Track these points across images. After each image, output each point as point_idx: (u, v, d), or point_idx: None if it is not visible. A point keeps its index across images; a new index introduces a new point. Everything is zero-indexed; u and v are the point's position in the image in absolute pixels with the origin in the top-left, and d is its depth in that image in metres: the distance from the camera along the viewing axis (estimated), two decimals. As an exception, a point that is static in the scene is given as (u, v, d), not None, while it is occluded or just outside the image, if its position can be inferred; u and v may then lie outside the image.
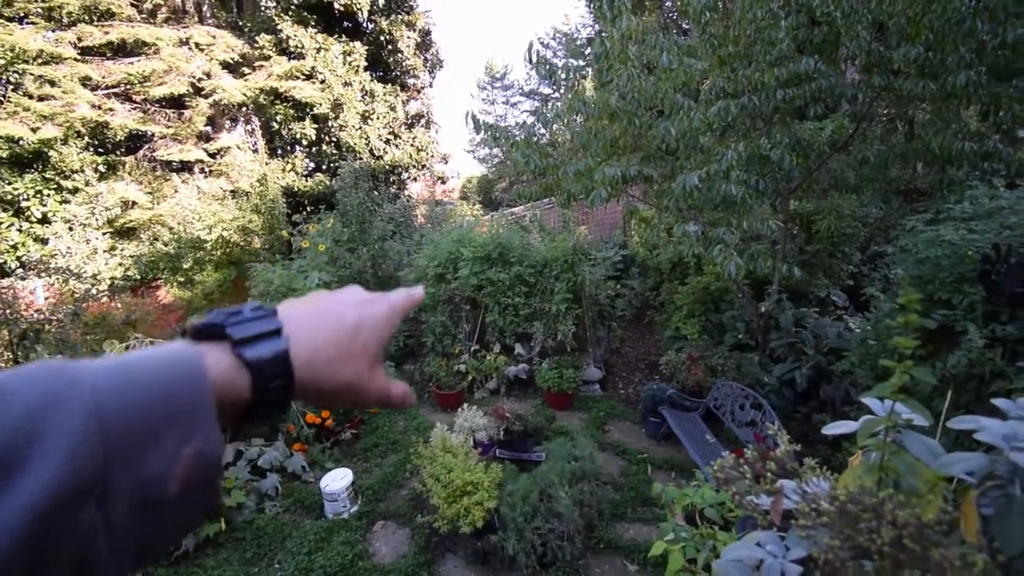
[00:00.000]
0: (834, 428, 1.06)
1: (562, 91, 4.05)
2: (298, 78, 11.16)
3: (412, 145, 13.54)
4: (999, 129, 4.81)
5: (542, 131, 4.49)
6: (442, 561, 3.38)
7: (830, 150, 4.93)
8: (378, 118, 12.29)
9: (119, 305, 8.93)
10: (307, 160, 12.19)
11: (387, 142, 12.89)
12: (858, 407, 4.72)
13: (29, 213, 10.44)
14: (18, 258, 10.21)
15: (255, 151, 11.55)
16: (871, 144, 4.59)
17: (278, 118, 11.21)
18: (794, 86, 4.06)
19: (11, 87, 10.33)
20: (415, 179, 14.62)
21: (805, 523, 0.77)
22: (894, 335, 3.32)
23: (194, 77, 10.65)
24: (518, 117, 29.92)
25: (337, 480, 3.87)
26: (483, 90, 31.81)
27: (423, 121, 14.31)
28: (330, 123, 11.43)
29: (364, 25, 12.64)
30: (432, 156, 14.50)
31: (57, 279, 7.96)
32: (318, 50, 11.22)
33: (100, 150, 11.43)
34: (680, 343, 6.17)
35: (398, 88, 13.30)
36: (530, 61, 3.96)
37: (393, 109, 12.78)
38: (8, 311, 5.28)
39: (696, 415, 4.69)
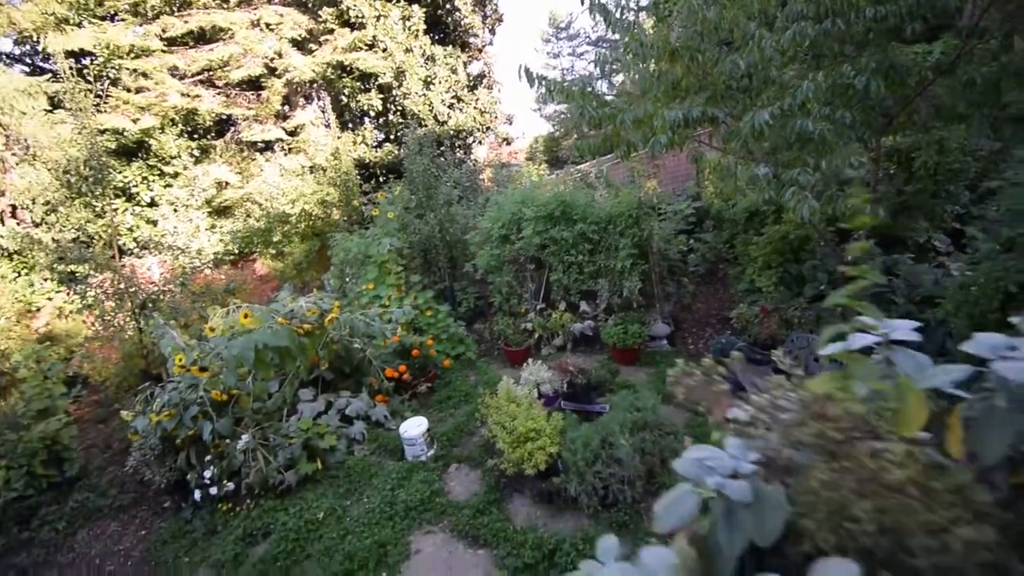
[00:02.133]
0: (826, 350, 1.06)
1: (618, 33, 3.87)
2: (361, 49, 11.43)
3: (475, 108, 13.52)
4: None
5: (600, 80, 4.33)
6: (510, 499, 3.61)
7: (932, 75, 4.34)
8: (440, 82, 12.36)
9: (222, 276, 9.94)
10: (376, 131, 12.60)
11: (450, 107, 12.97)
12: (951, 358, 4.33)
13: (139, 198, 11.74)
14: (135, 239, 11.58)
15: (327, 126, 12.08)
16: (979, 65, 3.99)
17: (345, 91, 11.61)
18: (887, 2, 3.60)
19: (109, 82, 11.43)
20: (480, 142, 14.67)
21: (757, 427, 0.83)
22: (995, 279, 2.97)
23: (267, 57, 11.23)
24: (585, 68, 28.72)
25: (414, 427, 4.19)
26: (547, 43, 30.73)
27: (485, 81, 14.20)
28: (394, 92, 11.68)
29: (421, -14, 12.58)
30: (496, 117, 14.41)
31: (168, 255, 8.98)
32: (378, 18, 11.37)
33: (193, 136, 12.52)
34: (754, 296, 5.89)
35: (458, 49, 13.22)
36: (582, 2, 3.82)
37: (454, 72, 12.77)
38: (129, 285, 6.07)
39: (768, 368, 4.51)
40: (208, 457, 4.09)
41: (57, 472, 4.43)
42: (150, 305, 6.40)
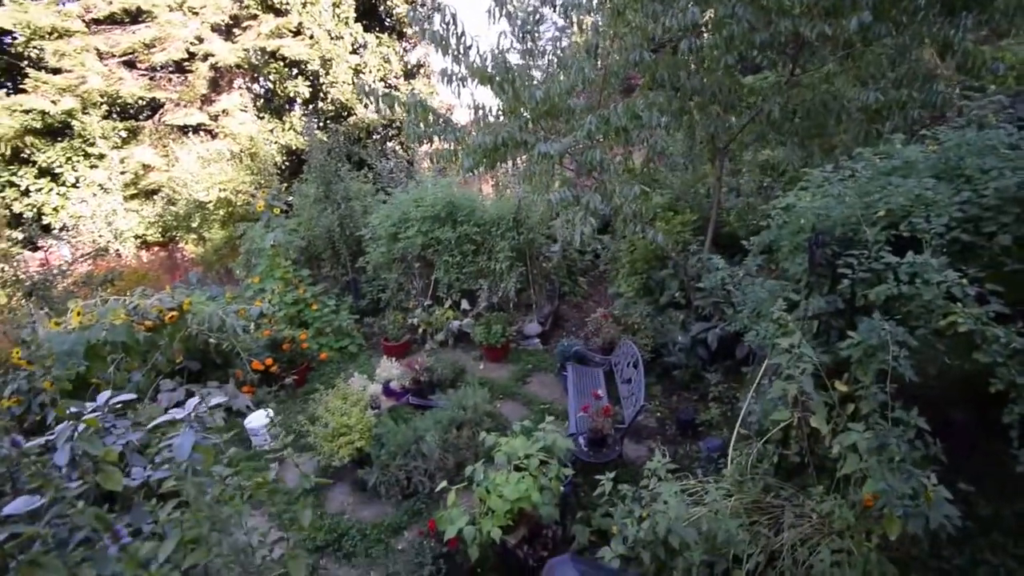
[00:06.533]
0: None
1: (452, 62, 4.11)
2: (286, 35, 11.33)
3: (412, 97, 13.56)
4: (959, 69, 4.54)
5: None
6: (332, 487, 3.95)
7: (760, 103, 4.73)
8: (370, 71, 12.35)
9: (145, 261, 9.94)
10: (305, 118, 12.54)
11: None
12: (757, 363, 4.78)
13: (63, 179, 11.51)
14: (59, 219, 11.38)
15: (244, 111, 11.97)
16: (784, 95, 4.39)
17: (272, 77, 11.53)
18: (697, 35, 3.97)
19: (29, 64, 11.12)
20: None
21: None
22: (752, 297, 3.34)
23: (187, 41, 11.06)
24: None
25: (259, 419, 4.47)
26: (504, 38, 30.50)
27: (423, 71, 14.19)
28: (321, 79, 11.64)
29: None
30: (435, 107, 14.46)
31: (81, 240, 8.94)
32: (304, 4, 11.28)
33: (124, 116, 12.26)
34: (621, 300, 6.28)
35: (395, 38, 13.19)
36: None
37: (387, 61, 12.76)
38: (15, 273, 6.14)
39: (600, 371, 4.89)
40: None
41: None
42: (39, 293, 6.48)
